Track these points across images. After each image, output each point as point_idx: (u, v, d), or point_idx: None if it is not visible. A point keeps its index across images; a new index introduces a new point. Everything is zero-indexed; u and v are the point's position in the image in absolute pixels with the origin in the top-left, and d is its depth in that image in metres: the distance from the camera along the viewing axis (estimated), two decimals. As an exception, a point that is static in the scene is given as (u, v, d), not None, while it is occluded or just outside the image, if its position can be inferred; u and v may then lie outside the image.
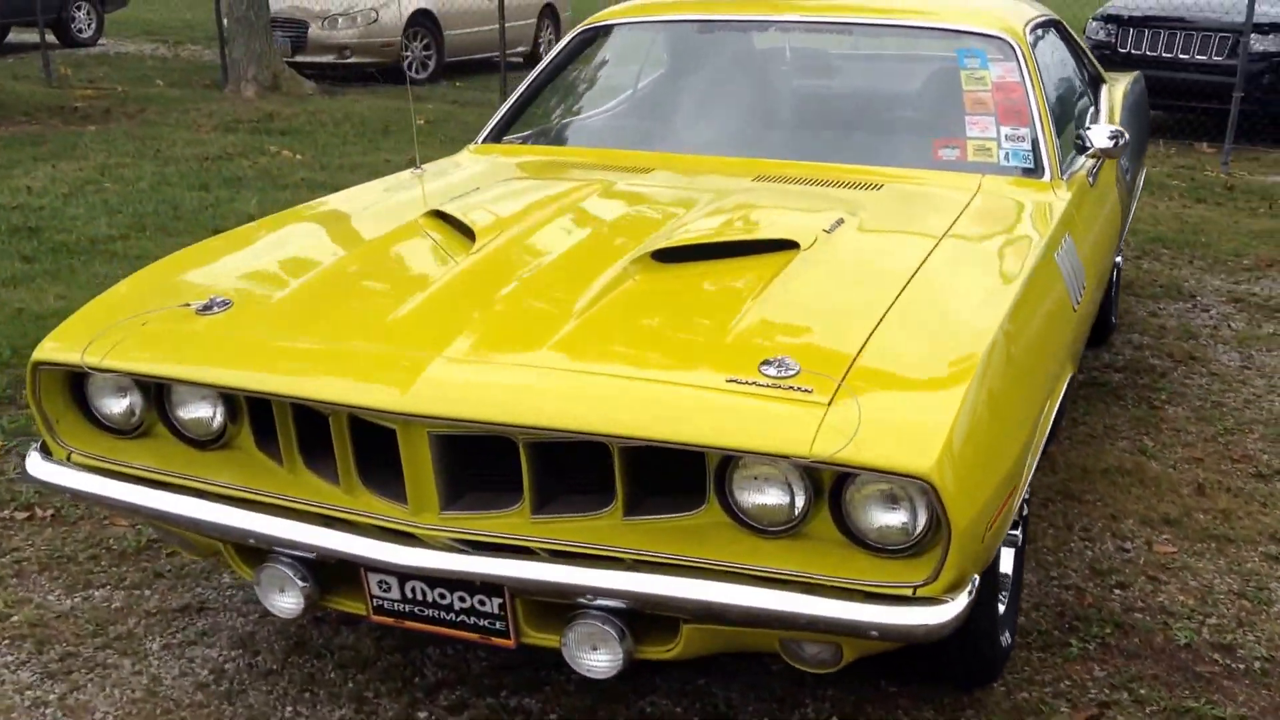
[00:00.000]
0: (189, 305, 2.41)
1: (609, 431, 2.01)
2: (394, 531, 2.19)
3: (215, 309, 2.39)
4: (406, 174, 3.42)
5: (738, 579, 2.03)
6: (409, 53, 12.36)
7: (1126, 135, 3.46)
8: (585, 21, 3.90)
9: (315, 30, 12.09)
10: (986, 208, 3.06)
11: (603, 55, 4.02)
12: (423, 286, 2.46)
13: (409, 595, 2.27)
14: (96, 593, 3.06)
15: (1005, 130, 3.40)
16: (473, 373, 2.13)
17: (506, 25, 10.84)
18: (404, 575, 2.24)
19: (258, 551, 2.38)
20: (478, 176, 3.33)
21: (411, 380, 2.10)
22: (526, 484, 2.12)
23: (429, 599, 2.26)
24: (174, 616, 2.97)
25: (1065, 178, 3.32)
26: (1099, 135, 3.42)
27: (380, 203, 3.15)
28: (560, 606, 2.20)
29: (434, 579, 2.22)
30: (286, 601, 2.35)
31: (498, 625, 2.23)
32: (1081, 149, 3.46)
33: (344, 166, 8.03)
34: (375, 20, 12.09)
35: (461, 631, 2.27)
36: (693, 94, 3.91)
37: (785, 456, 1.93)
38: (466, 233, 2.74)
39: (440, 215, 2.88)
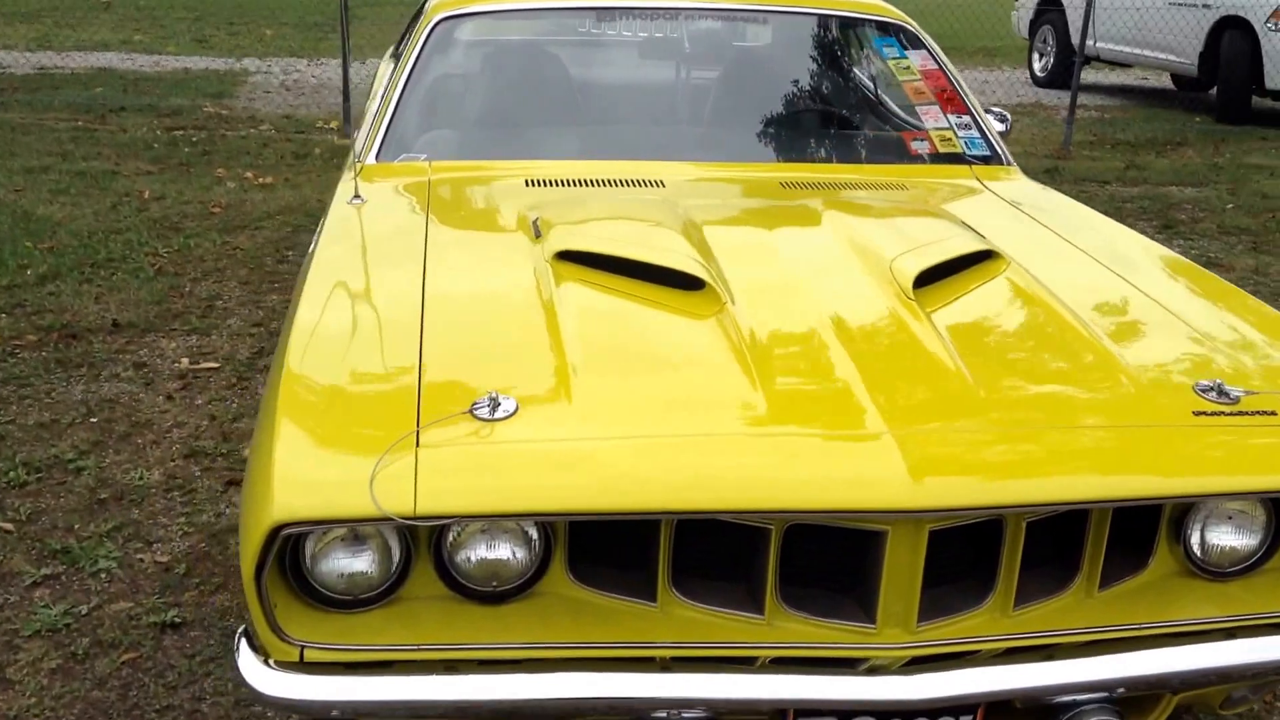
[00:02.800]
0: (472, 411, 1.94)
1: (1126, 494, 1.91)
2: (821, 660, 1.95)
3: (500, 412, 1.94)
4: (352, 207, 3.05)
5: (1220, 636, 2.00)
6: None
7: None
8: (436, 8, 3.69)
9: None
10: (1051, 200, 3.34)
11: (473, 48, 3.95)
12: (728, 352, 2.18)
13: None
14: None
15: (952, 119, 3.60)
16: (948, 451, 1.92)
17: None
18: (850, 713, 1.97)
19: None
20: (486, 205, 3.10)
21: (896, 468, 1.85)
22: (1005, 573, 1.94)
23: None
24: None
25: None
26: (994, 122, 3.65)
27: (485, 247, 2.79)
28: (1035, 711, 2.06)
29: (893, 711, 1.95)
30: None
31: None
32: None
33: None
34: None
35: None
36: (620, 93, 3.93)
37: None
38: (670, 279, 2.45)
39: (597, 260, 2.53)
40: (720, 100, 3.77)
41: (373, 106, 4.16)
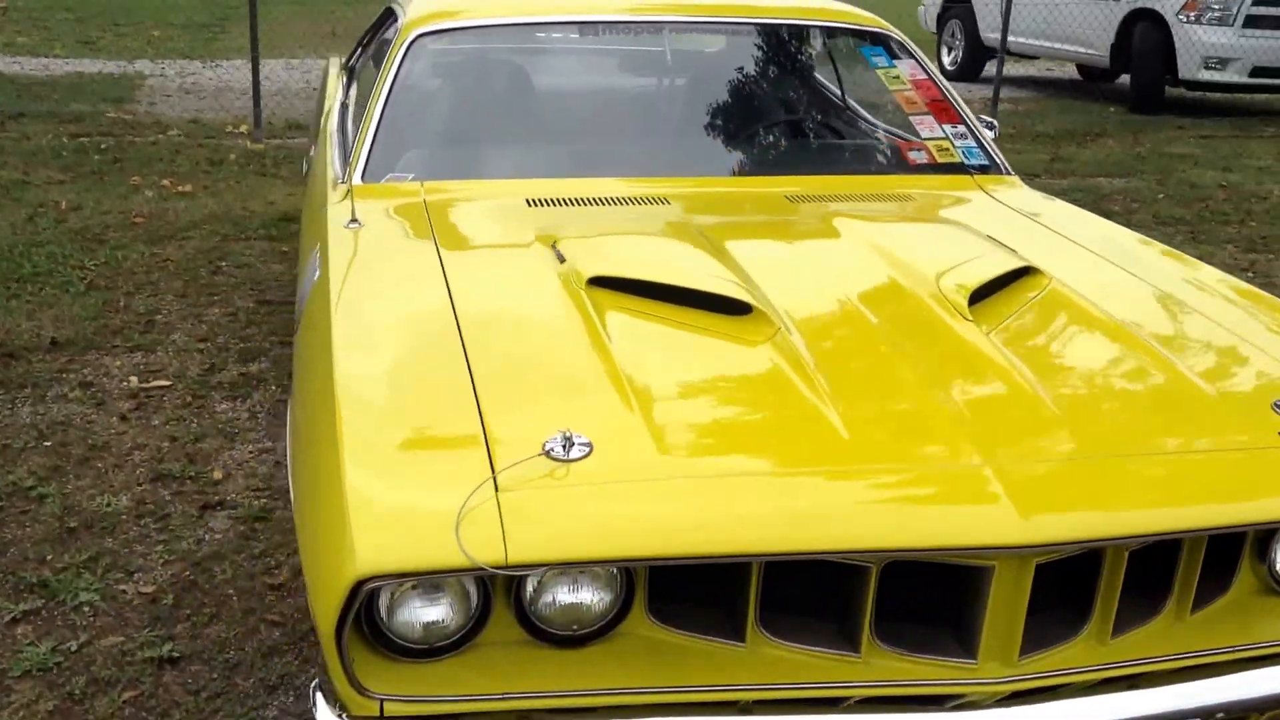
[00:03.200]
0: (547, 452, 1.87)
1: (1229, 522, 1.92)
2: (908, 699, 1.92)
3: (575, 452, 1.87)
4: (350, 231, 2.92)
5: None
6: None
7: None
8: (413, 23, 3.55)
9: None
10: (1063, 210, 3.33)
11: (454, 64, 3.82)
12: (795, 381, 2.13)
13: None
14: None
15: (948, 129, 3.57)
16: (1053, 484, 1.91)
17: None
18: None
19: None
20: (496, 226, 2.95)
21: (1003, 503, 1.83)
22: (1103, 601, 1.93)
23: None
24: None
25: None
26: (984, 130, 3.67)
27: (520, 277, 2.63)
28: None
29: None
30: None
31: None
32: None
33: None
34: None
35: None
36: (608, 108, 3.86)
37: None
38: (711, 304, 2.39)
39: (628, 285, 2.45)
40: (713, 115, 3.70)
41: (332, 123, 4.02)
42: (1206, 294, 2.74)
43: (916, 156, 3.50)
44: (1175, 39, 10.90)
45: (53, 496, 3.67)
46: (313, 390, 2.24)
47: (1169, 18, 10.92)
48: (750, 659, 1.89)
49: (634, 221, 3.00)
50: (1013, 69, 14.67)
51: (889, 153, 3.61)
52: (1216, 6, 10.72)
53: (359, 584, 1.71)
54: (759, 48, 3.83)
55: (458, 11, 3.62)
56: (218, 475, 3.85)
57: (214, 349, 4.89)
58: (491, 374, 2.11)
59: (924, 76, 3.67)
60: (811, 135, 3.74)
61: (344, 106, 4.14)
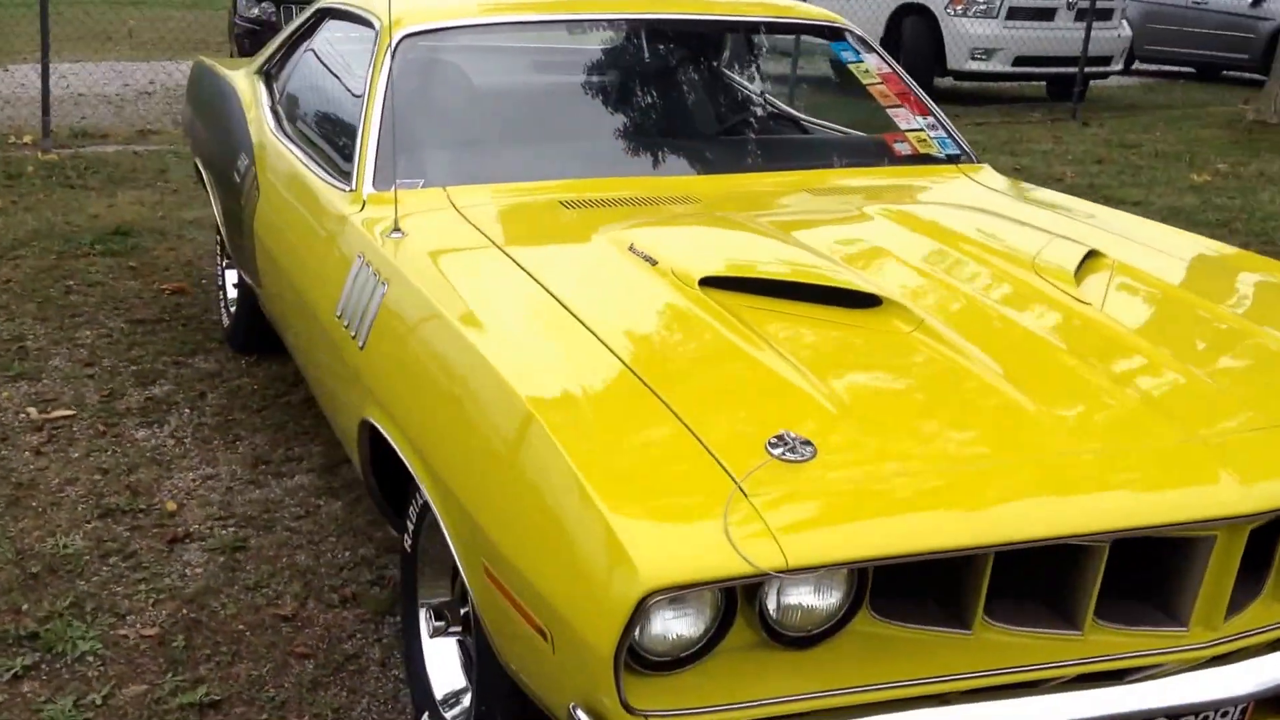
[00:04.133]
0: (780, 456, 1.88)
1: None
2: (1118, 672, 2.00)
3: (802, 454, 1.89)
4: (396, 240, 2.81)
5: None
6: None
7: None
8: (398, 23, 3.42)
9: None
10: (1049, 195, 3.52)
11: (448, 64, 3.70)
12: (967, 371, 2.20)
13: None
14: None
15: (920, 120, 3.73)
16: (1259, 452, 2.01)
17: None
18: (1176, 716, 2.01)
19: None
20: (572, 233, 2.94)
21: (1224, 475, 1.94)
22: None
23: None
24: None
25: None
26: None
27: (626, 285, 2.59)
28: None
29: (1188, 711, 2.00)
30: None
31: None
32: None
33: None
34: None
35: None
36: (606, 106, 3.82)
37: None
38: (834, 298, 2.43)
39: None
40: (711, 112, 3.75)
41: (277, 132, 3.85)
42: (1232, 267, 2.97)
43: (902, 148, 3.63)
44: (944, 31, 11.54)
45: (-1, 542, 3.42)
46: (470, 418, 2.18)
47: (937, 11, 11.56)
48: (974, 646, 1.93)
49: (690, 219, 3.01)
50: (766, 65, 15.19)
51: (878, 146, 3.70)
52: (981, 1, 11.42)
53: (642, 600, 1.70)
54: (734, 45, 3.91)
55: (442, 11, 3.53)
56: (171, 506, 3.65)
57: (104, 373, 4.61)
58: (668, 383, 2.10)
59: (889, 70, 3.81)
60: (803, 129, 3.82)
61: (299, 115, 3.96)
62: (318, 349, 3.09)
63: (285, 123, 3.94)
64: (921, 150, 3.61)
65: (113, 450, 4.01)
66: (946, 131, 3.69)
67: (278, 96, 4.19)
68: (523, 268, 2.61)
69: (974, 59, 11.50)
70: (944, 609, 1.97)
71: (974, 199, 3.34)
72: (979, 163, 3.68)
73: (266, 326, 4.61)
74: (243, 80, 4.47)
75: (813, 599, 1.87)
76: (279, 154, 3.76)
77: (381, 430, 2.54)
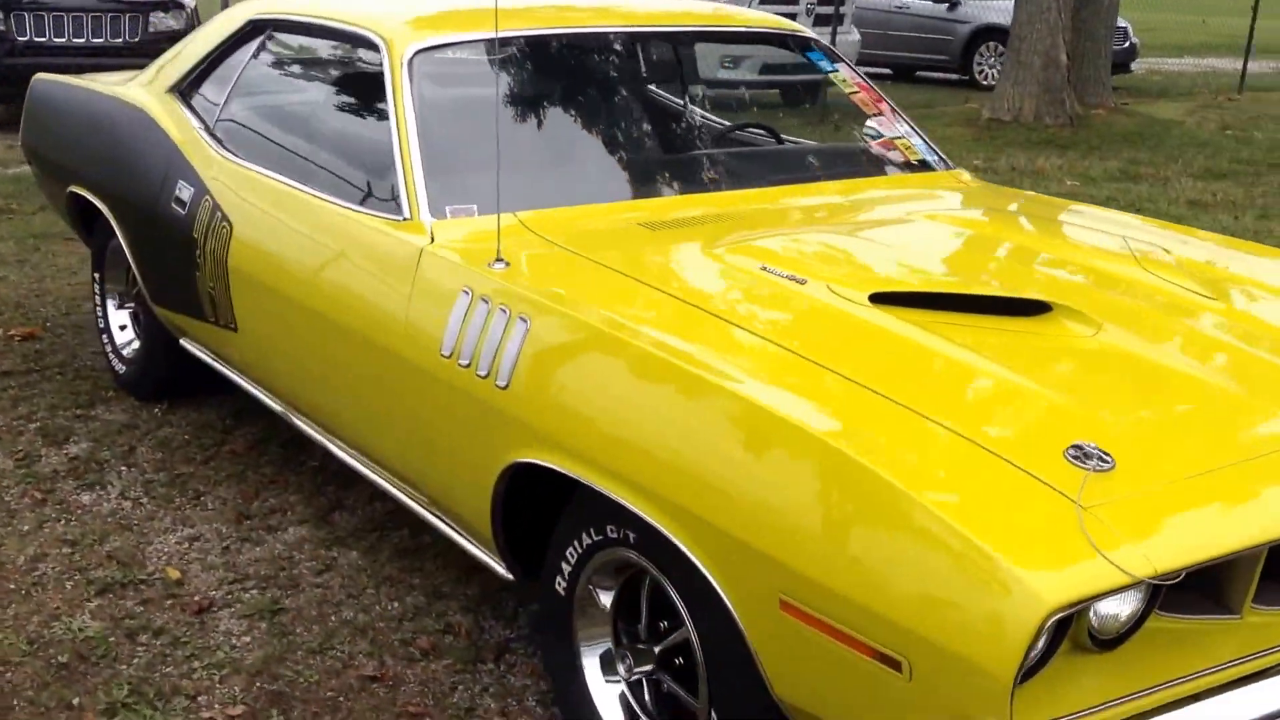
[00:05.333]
0: (1090, 468, 1.93)
1: None
2: None
3: (1106, 462, 1.94)
4: (501, 270, 2.70)
5: None
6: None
7: None
8: (403, 39, 3.23)
9: None
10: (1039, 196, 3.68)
11: (468, 79, 3.50)
12: (1177, 370, 2.31)
13: None
14: None
15: (901, 127, 3.84)
16: None
17: None
18: None
19: None
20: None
21: None
22: None
23: None
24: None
25: None
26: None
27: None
28: None
29: None
30: None
31: None
32: None
33: None
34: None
35: None
36: (634, 124, 3.71)
37: None
38: (999, 308, 2.49)
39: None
40: (712, 127, 3.73)
41: (230, 159, 3.59)
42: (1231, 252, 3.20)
43: (895, 156, 3.70)
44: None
45: None
46: (735, 456, 2.10)
47: (688, 21, 11.81)
48: (1243, 630, 2.02)
49: (779, 234, 3.01)
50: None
51: (878, 155, 3.74)
52: (729, 9, 11.77)
53: (1042, 622, 1.73)
54: (713, 54, 3.87)
55: (448, 23, 3.37)
56: (174, 574, 3.35)
57: (2, 434, 4.16)
58: (927, 403, 2.10)
59: (858, 79, 3.90)
60: (806, 141, 3.84)
61: (269, 140, 3.66)
62: (397, 394, 2.88)
63: (242, 149, 3.65)
64: (910, 158, 3.71)
65: (65, 519, 3.63)
66: (921, 138, 3.80)
67: (213, 119, 3.88)
68: (675, 296, 2.54)
69: (724, 68, 11.84)
70: (1208, 597, 2.05)
71: (994, 203, 3.48)
72: (955, 168, 3.78)
73: (187, 372, 4.30)
74: (150, 101, 4.10)
75: (1120, 602, 1.92)
76: (253, 182, 3.49)
77: (558, 469, 2.42)
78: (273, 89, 3.93)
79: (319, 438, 3.41)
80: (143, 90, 4.22)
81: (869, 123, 3.76)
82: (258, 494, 3.82)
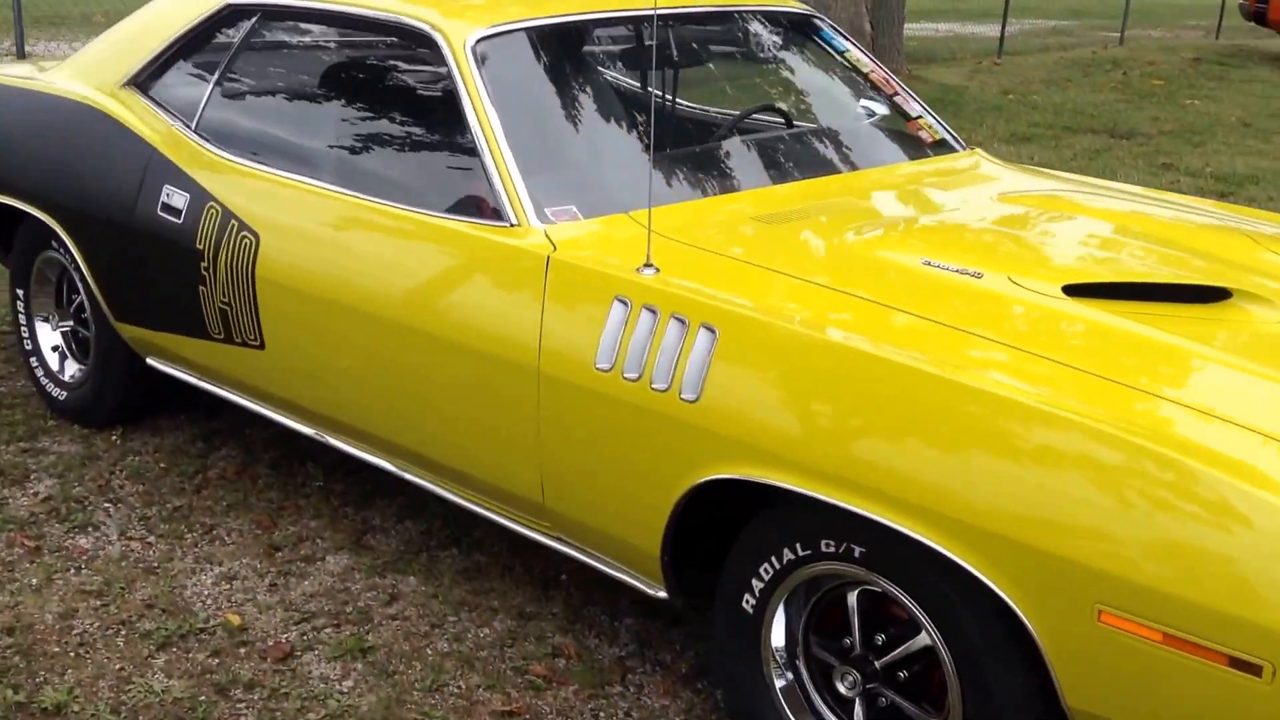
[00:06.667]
0: None
1: None
2: None
3: None
4: (652, 276, 2.60)
5: None
6: None
7: None
8: (458, 28, 3.04)
9: None
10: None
11: (536, 71, 3.24)
12: None
13: None
14: None
15: (919, 107, 3.84)
16: None
17: None
18: None
19: None
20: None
21: None
22: None
23: None
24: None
25: None
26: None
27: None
28: None
29: None
30: None
31: None
32: None
33: None
34: None
35: None
36: (703, 106, 3.60)
37: None
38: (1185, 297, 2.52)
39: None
40: (785, 111, 3.62)
41: (228, 163, 3.37)
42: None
43: (925, 136, 3.69)
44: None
45: (69, 706, 2.75)
46: (1025, 469, 2.08)
47: None
48: None
49: (914, 225, 3.00)
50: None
51: (913, 137, 3.69)
52: None
53: None
54: (726, 38, 3.77)
55: (494, 6, 3.17)
56: (235, 620, 3.09)
57: (-53, 478, 3.75)
58: (1187, 392, 2.15)
59: (868, 58, 3.89)
60: (848, 125, 3.75)
61: (285, 139, 3.36)
62: (521, 410, 2.73)
63: (253, 152, 3.37)
64: (934, 137, 3.71)
65: (75, 568, 3.30)
66: (933, 117, 3.81)
67: (194, 116, 3.55)
68: (860, 297, 2.49)
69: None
70: None
71: (1041, 183, 3.55)
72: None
73: (145, 394, 3.99)
74: (101, 98, 3.72)
75: None
76: (283, 190, 3.24)
77: (769, 483, 2.35)
78: (277, 84, 3.64)
79: (373, 459, 3.22)
80: (85, 85, 3.83)
81: (894, 102, 3.76)
82: (274, 522, 3.56)
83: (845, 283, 2.57)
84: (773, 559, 2.47)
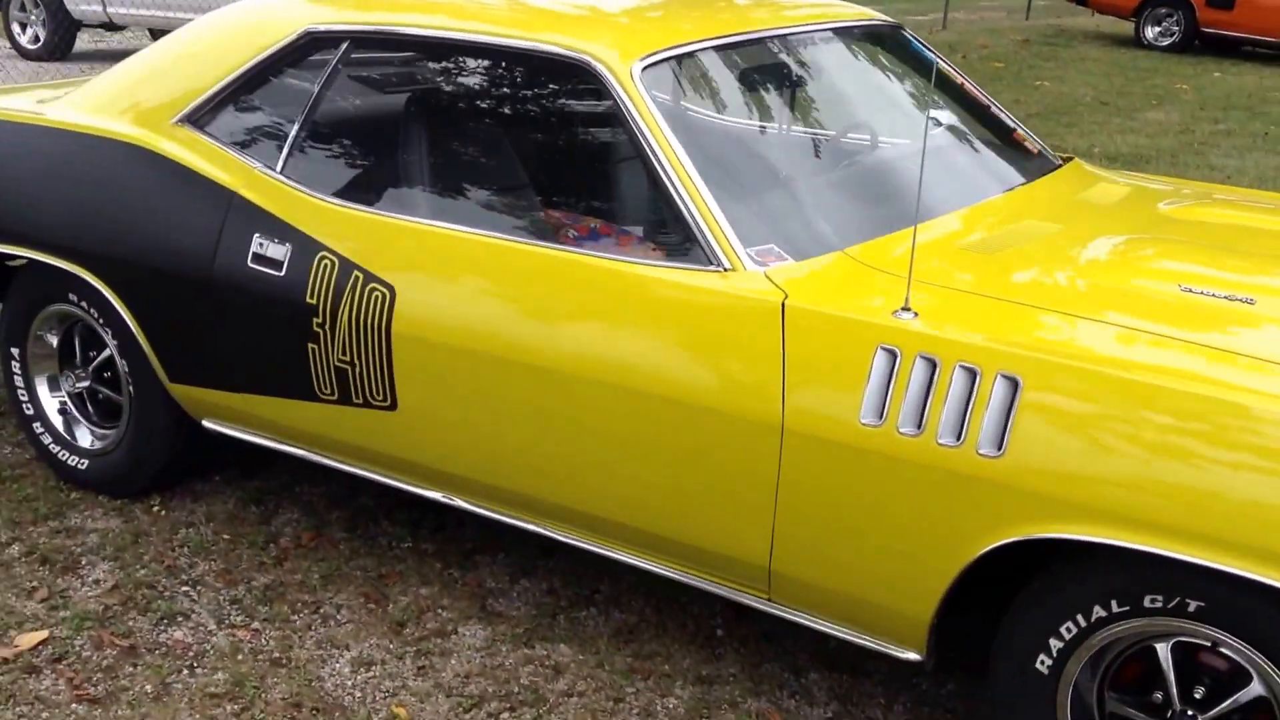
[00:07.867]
0: None
1: None
2: None
3: None
4: (907, 320, 2.45)
5: None
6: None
7: None
8: (628, 54, 2.82)
9: None
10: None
11: (703, 98, 3.08)
12: None
13: None
14: None
15: (1009, 119, 3.71)
16: None
17: None
18: None
19: None
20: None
21: None
22: None
23: None
24: None
25: None
26: None
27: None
28: None
29: None
30: None
31: None
32: None
33: None
34: None
35: None
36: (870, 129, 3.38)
37: None
38: None
39: None
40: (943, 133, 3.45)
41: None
42: None
43: (1031, 146, 3.59)
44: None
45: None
46: None
47: None
48: None
49: (1138, 247, 2.94)
50: (111, 41, 13.64)
51: (1029, 149, 3.56)
52: None
53: None
54: (832, 56, 3.56)
55: (655, 29, 2.94)
56: (402, 713, 2.81)
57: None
58: None
59: (955, 69, 3.75)
60: (995, 140, 3.60)
61: (422, 187, 3.04)
62: (759, 470, 2.54)
63: (374, 198, 3.07)
64: (1034, 148, 3.61)
65: (188, 668, 2.95)
66: (1019, 126, 3.71)
67: (279, 158, 3.18)
68: (1144, 330, 2.40)
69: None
70: None
71: (1162, 186, 3.51)
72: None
73: (189, 459, 3.63)
74: (152, 137, 3.31)
75: None
76: (426, 238, 2.93)
77: (1096, 540, 2.23)
78: (381, 121, 3.28)
79: (517, 521, 2.99)
80: (124, 122, 3.40)
81: (995, 114, 3.65)
82: (382, 595, 3.26)
83: (1115, 317, 2.46)
84: (1078, 617, 2.35)
